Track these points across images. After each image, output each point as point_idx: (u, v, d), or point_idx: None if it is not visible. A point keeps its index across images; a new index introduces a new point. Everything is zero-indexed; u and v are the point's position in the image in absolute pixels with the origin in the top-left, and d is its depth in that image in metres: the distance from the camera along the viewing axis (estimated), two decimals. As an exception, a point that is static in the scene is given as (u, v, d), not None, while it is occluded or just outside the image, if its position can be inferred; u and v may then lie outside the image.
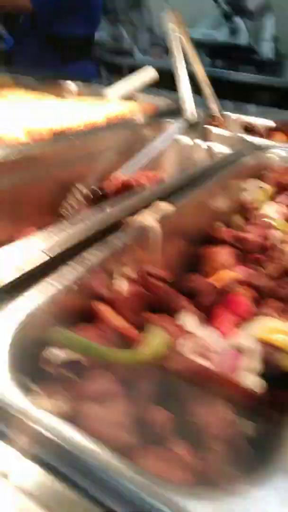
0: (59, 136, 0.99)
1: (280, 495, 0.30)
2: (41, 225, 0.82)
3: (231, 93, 3.14)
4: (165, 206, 0.73)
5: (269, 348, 0.47)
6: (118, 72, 3.33)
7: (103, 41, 3.30)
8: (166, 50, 2.23)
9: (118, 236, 0.62)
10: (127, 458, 0.33)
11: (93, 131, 1.07)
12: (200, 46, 3.19)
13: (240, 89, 3.06)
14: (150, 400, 0.42)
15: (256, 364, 0.45)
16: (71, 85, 1.56)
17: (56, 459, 0.31)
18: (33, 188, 0.86)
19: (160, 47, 3.23)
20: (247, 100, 3.16)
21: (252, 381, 0.44)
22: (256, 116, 1.48)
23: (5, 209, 0.81)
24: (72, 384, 0.41)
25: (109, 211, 0.68)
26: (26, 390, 0.36)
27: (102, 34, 3.28)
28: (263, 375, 0.45)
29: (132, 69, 3.62)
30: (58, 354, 0.42)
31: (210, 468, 0.38)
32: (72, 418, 0.36)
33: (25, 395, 0.35)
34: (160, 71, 1.53)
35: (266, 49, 3.00)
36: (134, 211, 0.70)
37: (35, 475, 0.30)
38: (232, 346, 0.49)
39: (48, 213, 0.87)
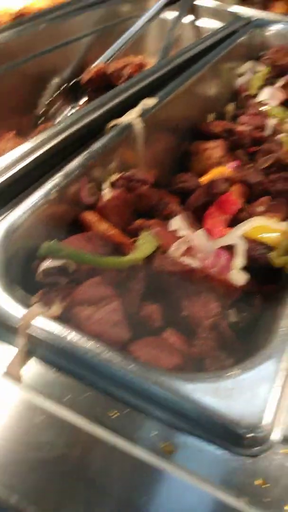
0: (21, 20, 0.89)
1: (260, 376, 0.35)
2: (18, 127, 0.80)
3: None
4: (149, 102, 0.69)
5: (254, 244, 0.50)
6: None
7: None
8: None
9: (100, 139, 0.60)
10: (121, 349, 0.38)
11: (62, 12, 0.95)
12: None
13: None
14: (141, 298, 0.46)
15: (242, 260, 0.48)
16: None
17: (57, 357, 0.36)
18: (2, 85, 0.81)
19: None
20: None
21: (239, 277, 0.47)
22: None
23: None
24: (64, 290, 0.45)
25: (89, 113, 0.64)
26: (20, 300, 0.40)
27: None
28: (249, 270, 0.48)
29: None
30: (48, 263, 0.45)
31: (200, 353, 0.43)
32: (68, 321, 0.40)
33: (20, 304, 0.39)
34: None
35: None
36: (118, 109, 0.66)
37: (42, 372, 0.35)
38: (220, 246, 0.51)
39: (23, 113, 0.82)
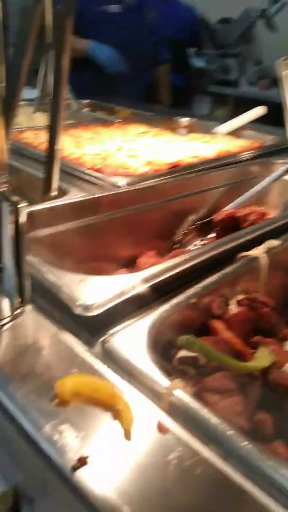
0: (175, 169, 1.17)
1: None
2: (157, 249, 1.00)
3: None
4: (273, 243, 0.85)
5: None
6: (224, 102, 3.57)
7: (212, 73, 3.58)
8: (273, 82, 2.35)
9: (232, 265, 0.75)
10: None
11: (204, 167, 1.23)
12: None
13: None
14: (257, 404, 0.54)
15: None
16: (183, 120, 1.77)
17: (189, 426, 0.45)
18: (151, 215, 1.04)
19: (267, 79, 3.40)
20: None
21: None
22: None
23: (127, 232, 1.00)
24: (192, 379, 0.55)
25: (221, 245, 0.80)
26: (166, 373, 0.51)
27: (212, 66, 3.56)
28: None
29: (237, 99, 3.81)
30: (184, 353, 0.56)
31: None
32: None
33: (164, 376, 0.50)
34: (265, 102, 1.67)
35: None
36: (246, 245, 0.82)
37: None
38: None
39: (163, 238, 1.04)
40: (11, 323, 0.58)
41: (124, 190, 1.03)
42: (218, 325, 0.65)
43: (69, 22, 0.65)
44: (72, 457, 0.42)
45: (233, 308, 0.68)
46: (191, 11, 3.16)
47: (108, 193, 1.01)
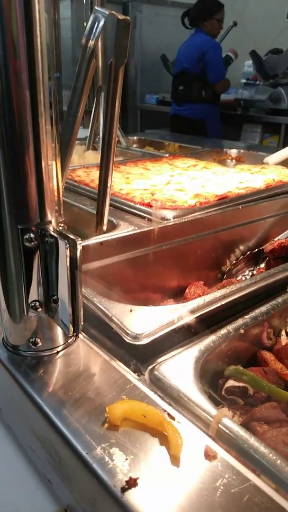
0: (223, 200, 1.22)
1: None
2: (204, 279, 1.03)
3: None
4: None
5: None
6: (275, 130, 3.61)
7: (263, 102, 3.66)
8: None
9: (282, 296, 0.77)
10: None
11: (254, 198, 1.26)
12: None
13: None
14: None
15: None
16: (232, 152, 1.83)
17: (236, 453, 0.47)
18: (200, 247, 1.09)
19: None
20: None
21: None
22: None
23: (175, 263, 1.05)
24: (241, 408, 0.56)
25: (273, 275, 0.83)
26: (213, 402, 0.53)
27: (262, 96, 3.64)
28: None
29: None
30: (232, 383, 0.59)
31: None
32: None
33: (211, 405, 0.52)
34: None
35: None
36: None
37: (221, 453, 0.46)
38: None
39: (211, 269, 1.07)
40: (64, 351, 0.64)
41: (172, 223, 1.09)
42: (268, 356, 0.66)
43: (121, 73, 0.74)
44: (122, 478, 0.45)
45: (284, 339, 0.70)
46: (203, 43, 3.25)
47: (156, 227, 1.07)
